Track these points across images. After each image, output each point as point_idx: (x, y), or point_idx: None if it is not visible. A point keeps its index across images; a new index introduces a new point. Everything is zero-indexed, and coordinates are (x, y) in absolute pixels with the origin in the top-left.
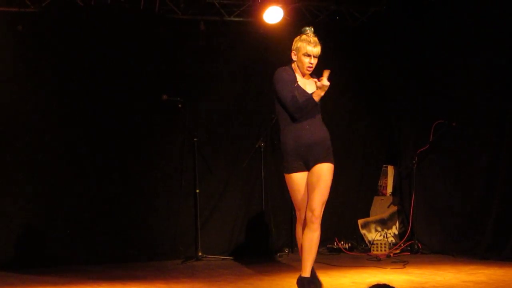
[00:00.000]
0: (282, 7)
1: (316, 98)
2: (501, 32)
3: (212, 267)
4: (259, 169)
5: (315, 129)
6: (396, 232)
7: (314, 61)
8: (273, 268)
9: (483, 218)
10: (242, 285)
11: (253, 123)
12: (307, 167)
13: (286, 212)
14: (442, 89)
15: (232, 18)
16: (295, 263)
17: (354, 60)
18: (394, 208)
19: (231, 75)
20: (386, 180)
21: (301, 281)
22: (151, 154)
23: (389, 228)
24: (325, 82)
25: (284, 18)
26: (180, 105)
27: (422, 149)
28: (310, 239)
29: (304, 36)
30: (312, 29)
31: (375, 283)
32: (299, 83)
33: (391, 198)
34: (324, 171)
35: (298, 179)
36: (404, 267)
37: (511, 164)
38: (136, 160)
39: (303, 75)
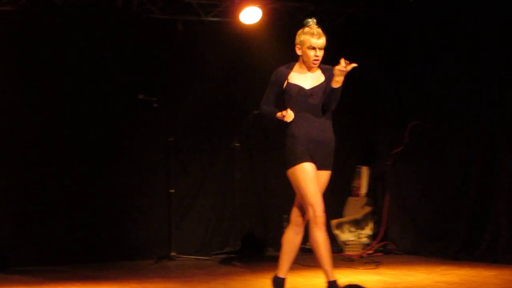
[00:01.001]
0: (260, 8)
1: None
2: (477, 33)
3: (185, 267)
4: (234, 169)
5: (324, 128)
6: (370, 233)
7: (320, 53)
8: (247, 268)
9: (455, 219)
10: (215, 285)
11: (229, 123)
12: (315, 164)
13: (260, 213)
14: (418, 91)
15: (210, 18)
16: (269, 264)
17: (331, 61)
18: (367, 209)
19: (208, 75)
20: (360, 181)
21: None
22: (126, 154)
23: (363, 228)
24: (342, 67)
25: (261, 19)
26: (156, 105)
27: (396, 150)
28: (319, 240)
29: (307, 29)
30: (315, 20)
31: (348, 283)
32: (292, 78)
33: (365, 199)
34: (326, 178)
35: (310, 168)
36: (377, 268)
37: (484, 166)
38: (110, 159)
39: (310, 68)
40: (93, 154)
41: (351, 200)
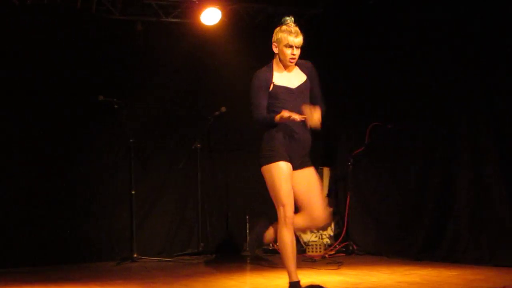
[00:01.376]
0: (220, 9)
1: (278, 120)
2: (437, 34)
3: (147, 268)
4: (195, 170)
5: (303, 127)
6: (331, 234)
7: (297, 51)
8: (209, 269)
9: (417, 219)
10: (177, 286)
11: (190, 124)
12: (292, 164)
13: (222, 214)
14: (378, 92)
15: (170, 19)
16: (231, 264)
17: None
18: (329, 210)
19: (168, 76)
20: (322, 182)
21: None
22: (87, 155)
23: (324, 229)
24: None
25: (221, 20)
26: (116, 106)
27: (357, 151)
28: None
29: (284, 27)
30: (293, 18)
31: (309, 284)
32: (277, 80)
33: (326, 199)
34: (313, 174)
35: (285, 168)
36: (339, 268)
37: (444, 166)
38: (72, 161)
39: (286, 67)
40: (53, 156)
41: None
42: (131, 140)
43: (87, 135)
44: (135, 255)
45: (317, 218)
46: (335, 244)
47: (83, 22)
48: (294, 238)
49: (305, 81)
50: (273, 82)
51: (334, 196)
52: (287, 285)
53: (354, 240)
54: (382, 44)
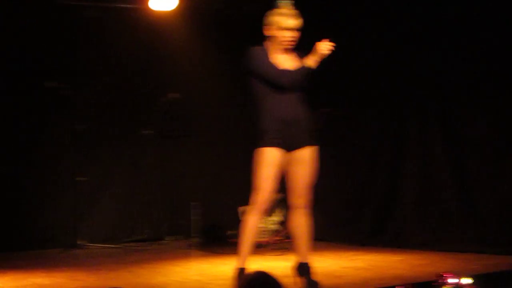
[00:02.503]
0: None
1: (313, 63)
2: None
3: (93, 255)
4: (143, 157)
5: (297, 108)
6: (278, 219)
7: (296, 34)
8: (155, 255)
9: (362, 205)
10: (123, 273)
11: (139, 111)
12: (287, 147)
13: (168, 200)
14: (328, 78)
15: (121, 5)
16: (177, 251)
17: (244, 49)
18: (276, 196)
19: (119, 62)
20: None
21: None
22: (31, 141)
23: (271, 215)
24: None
25: (177, 6)
26: (63, 92)
27: None
28: (302, 224)
29: (283, 10)
30: (291, 1)
31: (255, 270)
32: (276, 59)
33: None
34: (309, 155)
35: (273, 154)
36: (285, 254)
37: (391, 153)
38: (15, 147)
39: (284, 51)
40: None
41: None
42: (77, 127)
43: (32, 121)
44: (81, 242)
45: (301, 196)
46: (282, 230)
47: (30, 7)
48: (257, 224)
49: (299, 65)
50: (269, 59)
51: (281, 182)
52: (232, 271)
53: None
54: (334, 31)
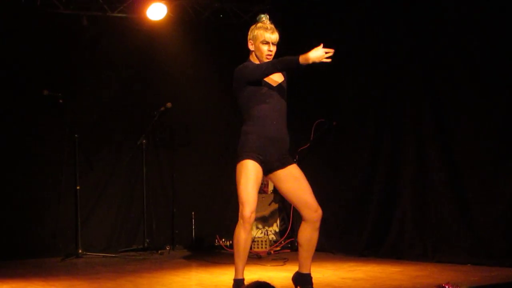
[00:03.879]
0: (166, 4)
1: (303, 60)
2: (383, 32)
3: (92, 264)
4: (140, 166)
5: (281, 127)
6: (277, 230)
7: (273, 48)
8: (154, 265)
9: (361, 216)
10: (122, 282)
11: (136, 120)
12: (267, 166)
13: (168, 210)
14: (324, 88)
15: (116, 14)
16: (176, 260)
17: (238, 59)
18: (275, 206)
19: (114, 71)
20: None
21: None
22: (31, 150)
23: (270, 225)
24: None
25: (167, 15)
26: (61, 101)
27: (302, 148)
28: (314, 238)
29: (260, 24)
30: (268, 16)
31: (255, 280)
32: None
33: (272, 195)
34: (298, 170)
35: (255, 167)
36: (284, 264)
37: (389, 163)
38: (15, 155)
39: None
40: None
41: (259, 197)
42: (76, 135)
43: (31, 130)
44: (80, 251)
45: (317, 210)
46: (281, 240)
47: (27, 17)
48: (248, 237)
49: (284, 80)
50: None
51: (280, 193)
52: (231, 281)
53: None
54: (328, 41)
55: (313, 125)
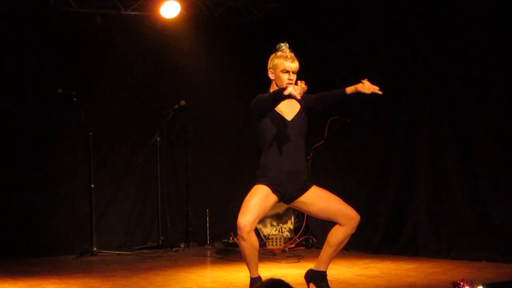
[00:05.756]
0: (179, 2)
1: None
2: (402, 27)
3: (107, 262)
4: (155, 164)
5: (298, 159)
6: (291, 227)
7: (294, 77)
8: (169, 262)
9: (376, 213)
10: (137, 280)
11: (150, 117)
12: (287, 197)
13: (182, 207)
14: (337, 86)
15: (129, 12)
16: (191, 258)
17: (251, 56)
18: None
19: (128, 69)
20: None
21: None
22: (46, 148)
23: (284, 222)
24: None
25: (181, 13)
26: (75, 99)
27: (317, 145)
28: (345, 241)
29: (280, 53)
30: (287, 44)
31: (270, 277)
32: (275, 108)
33: None
34: (319, 189)
35: (265, 190)
36: (299, 262)
37: (403, 160)
38: (31, 154)
39: None
40: (13, 150)
41: None
42: (90, 133)
43: (46, 128)
44: (94, 249)
45: (353, 215)
46: (295, 237)
47: (41, 15)
48: (248, 244)
49: (300, 111)
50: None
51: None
52: (246, 278)
53: (313, 233)
54: (343, 36)
55: (327, 122)
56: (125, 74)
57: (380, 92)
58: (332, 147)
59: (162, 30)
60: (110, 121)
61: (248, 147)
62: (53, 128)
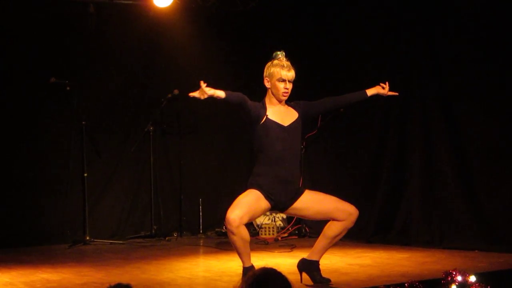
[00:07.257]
0: None
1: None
2: (395, 19)
3: (100, 251)
4: (148, 153)
5: (293, 168)
6: (284, 216)
7: (289, 86)
8: (162, 252)
9: (368, 202)
10: (130, 269)
11: (143, 106)
12: (280, 205)
13: (175, 197)
14: (331, 75)
15: (122, 1)
16: (184, 247)
17: (244, 45)
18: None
19: (121, 58)
20: None
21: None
22: (38, 137)
23: (277, 212)
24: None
25: (174, 2)
26: (68, 88)
27: (310, 134)
28: (342, 235)
29: (276, 61)
30: (284, 53)
31: (262, 266)
32: (270, 115)
33: None
34: (311, 192)
35: (257, 194)
36: (292, 251)
37: (396, 149)
38: (23, 143)
39: (279, 101)
40: (5, 139)
41: None
42: (83, 122)
43: (39, 117)
44: (87, 238)
45: (352, 210)
46: (288, 226)
47: (33, 3)
48: (242, 235)
49: (297, 119)
50: (267, 115)
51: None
52: (239, 268)
53: (306, 222)
54: (339, 26)
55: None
56: (118, 63)
57: (396, 94)
58: (325, 136)
59: (155, 19)
60: (103, 110)
61: (242, 136)
62: (46, 117)
